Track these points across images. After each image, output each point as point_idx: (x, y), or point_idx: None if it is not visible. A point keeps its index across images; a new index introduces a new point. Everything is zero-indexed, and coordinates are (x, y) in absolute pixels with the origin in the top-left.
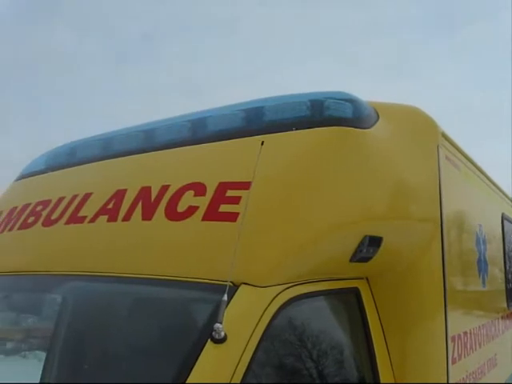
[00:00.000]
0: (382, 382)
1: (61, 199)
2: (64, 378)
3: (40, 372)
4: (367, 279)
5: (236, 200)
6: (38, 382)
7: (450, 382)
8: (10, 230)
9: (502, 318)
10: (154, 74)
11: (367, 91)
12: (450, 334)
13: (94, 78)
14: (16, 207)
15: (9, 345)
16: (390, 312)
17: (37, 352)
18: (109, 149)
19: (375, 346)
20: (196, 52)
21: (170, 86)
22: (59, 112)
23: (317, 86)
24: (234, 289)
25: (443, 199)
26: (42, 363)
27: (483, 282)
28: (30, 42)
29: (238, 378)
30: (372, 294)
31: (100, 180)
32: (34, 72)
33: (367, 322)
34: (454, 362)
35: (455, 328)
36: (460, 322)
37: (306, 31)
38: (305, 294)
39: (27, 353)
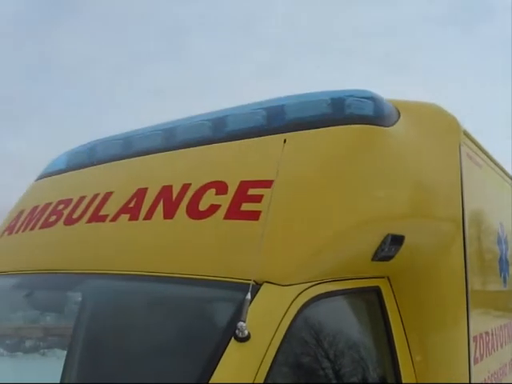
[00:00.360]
0: (403, 381)
1: (82, 198)
2: (85, 377)
3: (60, 370)
4: (389, 278)
5: (258, 198)
6: (58, 381)
7: (472, 382)
8: (32, 228)
9: None
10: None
11: (382, 89)
12: (472, 334)
13: (103, 76)
14: (37, 206)
15: (30, 343)
16: (411, 311)
17: (57, 350)
18: (129, 148)
19: (397, 345)
20: (213, 49)
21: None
22: (69, 111)
23: (333, 84)
24: (256, 287)
25: (465, 198)
26: (62, 362)
27: (504, 282)
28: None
29: (262, 376)
30: (393, 293)
31: (121, 179)
32: (43, 71)
33: (388, 322)
34: (476, 362)
35: (477, 328)
36: (482, 321)
37: (319, 30)
38: (327, 292)
39: (48, 351)
